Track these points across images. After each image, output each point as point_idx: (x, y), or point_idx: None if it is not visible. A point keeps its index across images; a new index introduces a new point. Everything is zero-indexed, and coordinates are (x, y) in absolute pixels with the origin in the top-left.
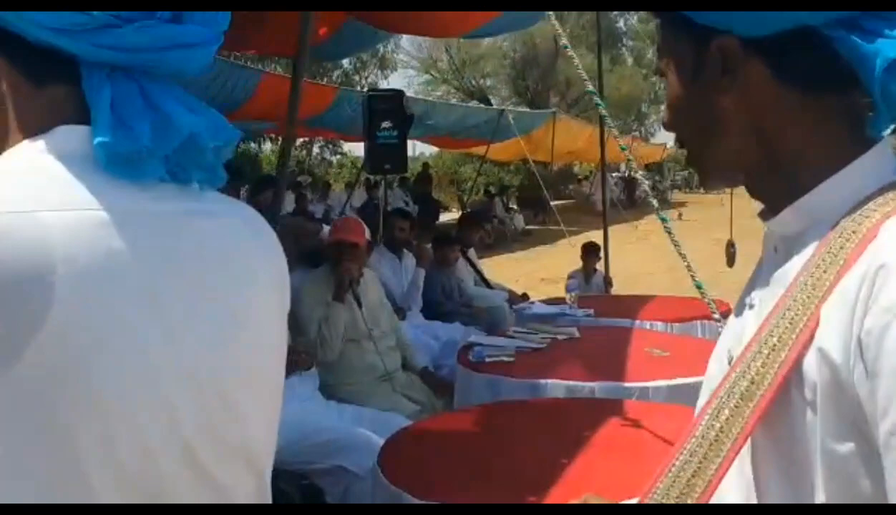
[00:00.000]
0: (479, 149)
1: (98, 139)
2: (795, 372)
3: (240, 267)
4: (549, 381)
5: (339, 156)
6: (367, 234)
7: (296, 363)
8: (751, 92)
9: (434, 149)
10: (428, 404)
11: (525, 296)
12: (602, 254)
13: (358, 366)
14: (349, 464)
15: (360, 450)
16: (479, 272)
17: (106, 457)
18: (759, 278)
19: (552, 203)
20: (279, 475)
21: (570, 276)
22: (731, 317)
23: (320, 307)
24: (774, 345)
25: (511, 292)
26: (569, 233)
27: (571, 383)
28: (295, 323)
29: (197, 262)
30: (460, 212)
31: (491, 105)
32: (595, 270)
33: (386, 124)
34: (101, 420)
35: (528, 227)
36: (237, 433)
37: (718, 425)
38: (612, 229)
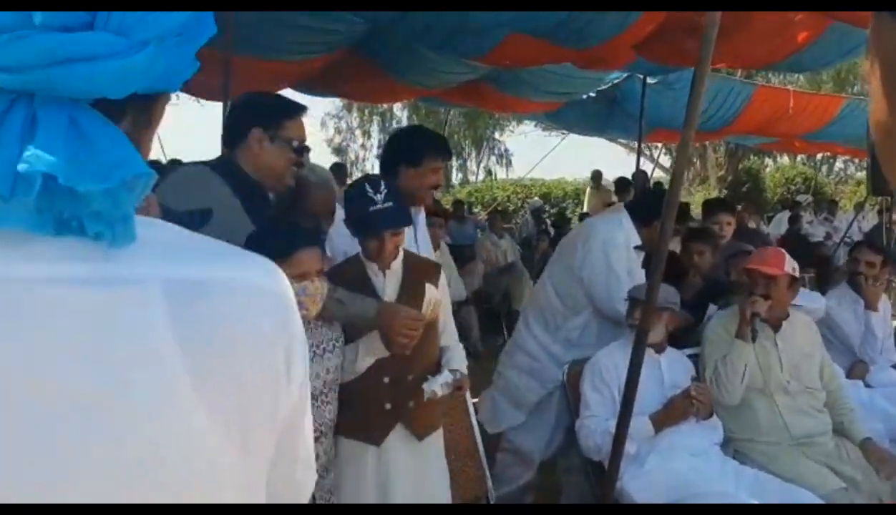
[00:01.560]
0: None
1: None
2: None
3: (108, 348)
4: None
5: (862, 172)
6: (794, 268)
7: (691, 408)
8: None
9: None
10: (863, 483)
11: None
12: None
13: (764, 424)
14: None
15: None
16: None
17: None
18: None
19: None
20: None
21: None
22: None
23: (723, 343)
24: None
25: None
26: None
27: None
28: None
29: (25, 341)
30: None
31: None
32: None
33: None
34: None
35: None
36: None
37: None
38: None
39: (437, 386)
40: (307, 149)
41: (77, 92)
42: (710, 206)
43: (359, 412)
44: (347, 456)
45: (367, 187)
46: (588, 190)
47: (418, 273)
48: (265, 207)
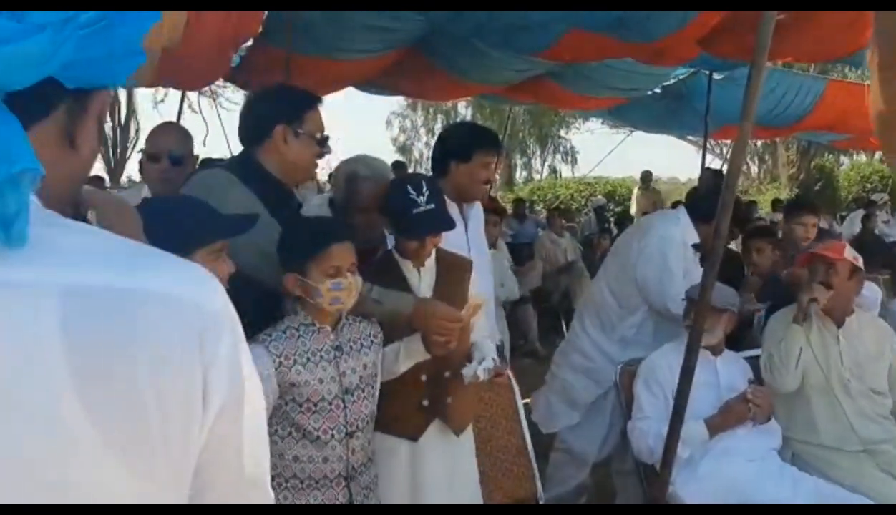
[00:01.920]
0: None
1: None
2: None
3: None
4: None
5: None
6: (855, 257)
7: (748, 412)
8: None
9: None
10: None
11: None
12: None
13: (822, 424)
14: None
15: None
16: None
17: None
18: None
19: None
20: None
21: None
22: None
23: (781, 328)
24: None
25: None
26: None
27: None
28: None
29: None
30: None
31: None
32: None
33: None
34: None
35: None
36: None
37: None
38: None
39: (479, 370)
40: (328, 139)
41: None
42: (793, 207)
43: (395, 408)
44: (381, 450)
45: (410, 188)
46: (636, 191)
47: (452, 269)
48: (290, 205)
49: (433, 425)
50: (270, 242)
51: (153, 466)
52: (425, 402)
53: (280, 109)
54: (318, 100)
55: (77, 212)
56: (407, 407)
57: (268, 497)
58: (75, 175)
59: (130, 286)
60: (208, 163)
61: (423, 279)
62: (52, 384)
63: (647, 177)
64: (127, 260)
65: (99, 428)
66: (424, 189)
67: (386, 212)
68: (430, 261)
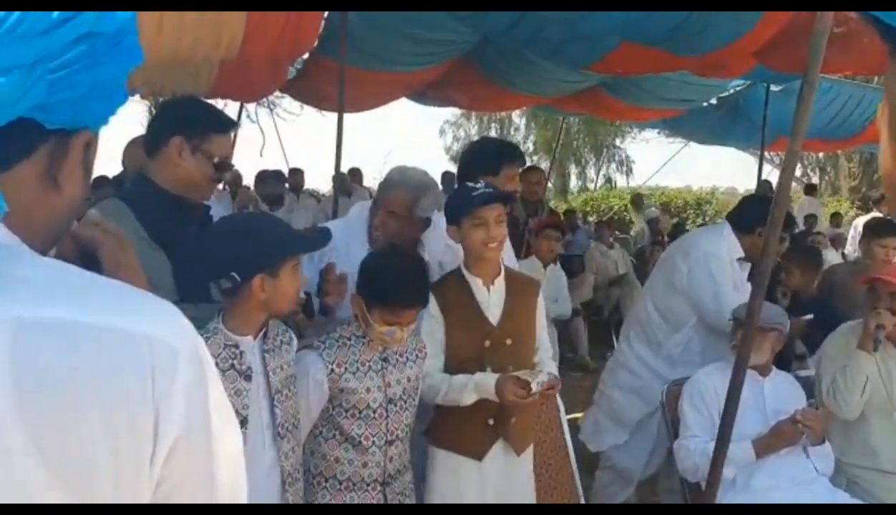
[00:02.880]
0: None
1: None
2: None
3: None
4: None
5: None
6: None
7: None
8: None
9: None
10: None
11: None
12: None
13: (882, 449)
14: None
15: None
16: None
17: None
18: None
19: None
20: None
21: None
22: None
23: (842, 356)
24: None
25: None
26: None
27: None
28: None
29: None
30: None
31: None
32: None
33: None
34: None
35: None
36: None
37: None
38: None
39: (534, 383)
40: (229, 167)
41: None
42: (876, 228)
43: (460, 426)
44: (444, 468)
45: (467, 184)
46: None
47: (520, 290)
48: (196, 218)
49: (497, 445)
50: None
51: (101, 500)
52: (491, 421)
53: (181, 122)
54: (232, 125)
55: (84, 251)
56: (473, 426)
57: None
58: (60, 214)
59: (83, 320)
60: (101, 183)
61: (491, 298)
62: None
63: (638, 200)
64: (86, 295)
65: (47, 469)
66: (480, 183)
67: (448, 211)
68: (500, 281)
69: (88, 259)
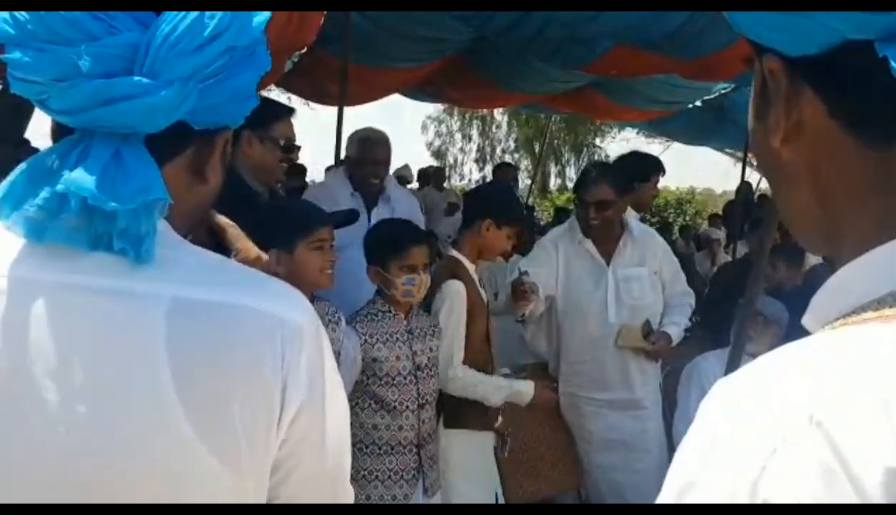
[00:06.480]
0: None
1: None
2: None
3: (110, 350)
4: None
5: None
6: None
7: None
8: (805, 134)
9: None
10: None
11: None
12: None
13: None
14: None
15: None
16: None
17: None
18: None
19: None
20: None
21: None
22: None
23: None
24: None
25: None
26: None
27: None
28: None
29: (49, 337)
30: None
31: None
32: None
33: None
34: None
35: None
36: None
37: None
38: None
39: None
40: (295, 147)
41: (120, 127)
42: None
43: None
44: (470, 446)
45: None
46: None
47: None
48: (250, 204)
49: None
50: None
51: (239, 458)
52: None
53: (248, 117)
54: (289, 111)
55: (212, 234)
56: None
57: (347, 492)
58: (205, 201)
59: (227, 301)
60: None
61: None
62: (156, 382)
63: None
64: (227, 279)
65: (194, 425)
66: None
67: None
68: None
69: (216, 242)
